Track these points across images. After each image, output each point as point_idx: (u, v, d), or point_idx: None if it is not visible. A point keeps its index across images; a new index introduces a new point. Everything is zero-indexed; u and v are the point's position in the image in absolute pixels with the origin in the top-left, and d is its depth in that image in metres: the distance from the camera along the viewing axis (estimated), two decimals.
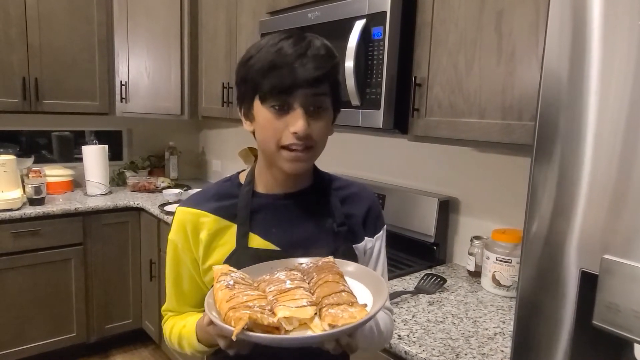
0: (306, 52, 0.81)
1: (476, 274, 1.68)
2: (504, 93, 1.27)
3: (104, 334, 2.82)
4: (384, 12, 1.45)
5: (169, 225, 1.39)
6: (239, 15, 2.42)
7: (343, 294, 0.73)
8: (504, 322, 1.35)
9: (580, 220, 0.75)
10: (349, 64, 1.51)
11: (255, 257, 0.88)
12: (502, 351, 1.18)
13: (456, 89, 1.39)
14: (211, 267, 0.90)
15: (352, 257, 0.93)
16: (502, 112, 1.28)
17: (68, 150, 3.18)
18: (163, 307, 1.01)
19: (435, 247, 1.83)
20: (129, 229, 2.84)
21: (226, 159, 3.34)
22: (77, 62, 2.80)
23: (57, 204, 2.61)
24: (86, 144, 3.03)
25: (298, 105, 0.81)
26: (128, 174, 3.20)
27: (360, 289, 0.81)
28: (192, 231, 0.92)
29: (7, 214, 2.39)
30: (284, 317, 0.69)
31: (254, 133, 0.90)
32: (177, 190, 2.91)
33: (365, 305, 0.73)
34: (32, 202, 2.56)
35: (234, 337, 0.66)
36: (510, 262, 1.52)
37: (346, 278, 0.80)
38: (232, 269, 0.81)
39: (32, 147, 3.05)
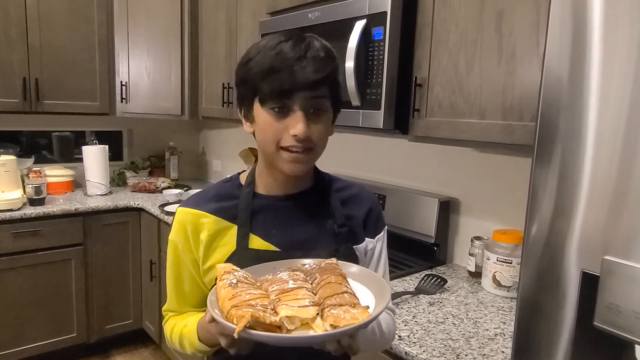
0: (305, 55, 0.81)
1: (477, 275, 1.68)
2: (505, 93, 1.27)
3: (104, 334, 2.82)
4: (385, 13, 1.45)
5: (169, 225, 1.39)
6: (239, 15, 2.42)
7: (345, 295, 0.73)
8: (504, 323, 1.35)
9: (581, 221, 0.75)
10: (350, 64, 1.50)
11: (256, 258, 0.88)
12: (503, 352, 1.17)
13: (457, 89, 1.39)
14: (211, 267, 0.91)
15: (353, 258, 0.93)
16: (502, 112, 1.28)
17: (68, 150, 3.18)
18: (164, 308, 1.01)
19: (435, 248, 1.82)
20: (129, 229, 2.84)
21: (226, 159, 3.34)
22: (77, 62, 2.80)
23: (58, 204, 2.61)
24: (86, 144, 3.03)
25: (298, 108, 0.81)
26: (128, 174, 3.20)
27: (363, 291, 0.81)
28: (193, 232, 0.92)
29: (8, 214, 2.39)
30: (286, 316, 0.69)
31: (254, 134, 0.90)
32: (177, 191, 2.91)
33: (368, 307, 0.73)
34: (33, 202, 2.56)
35: (235, 335, 0.66)
36: (511, 263, 1.52)
37: (349, 280, 0.80)
38: (235, 267, 0.81)
39: (33, 147, 3.05)
